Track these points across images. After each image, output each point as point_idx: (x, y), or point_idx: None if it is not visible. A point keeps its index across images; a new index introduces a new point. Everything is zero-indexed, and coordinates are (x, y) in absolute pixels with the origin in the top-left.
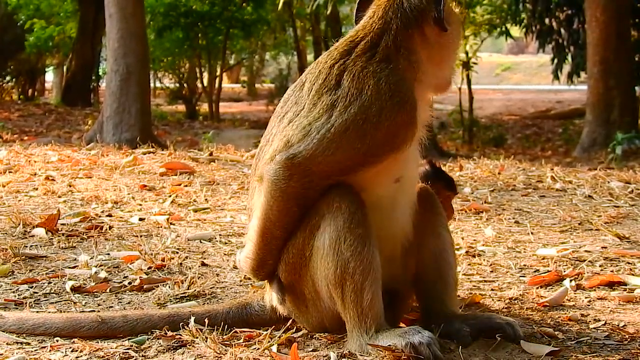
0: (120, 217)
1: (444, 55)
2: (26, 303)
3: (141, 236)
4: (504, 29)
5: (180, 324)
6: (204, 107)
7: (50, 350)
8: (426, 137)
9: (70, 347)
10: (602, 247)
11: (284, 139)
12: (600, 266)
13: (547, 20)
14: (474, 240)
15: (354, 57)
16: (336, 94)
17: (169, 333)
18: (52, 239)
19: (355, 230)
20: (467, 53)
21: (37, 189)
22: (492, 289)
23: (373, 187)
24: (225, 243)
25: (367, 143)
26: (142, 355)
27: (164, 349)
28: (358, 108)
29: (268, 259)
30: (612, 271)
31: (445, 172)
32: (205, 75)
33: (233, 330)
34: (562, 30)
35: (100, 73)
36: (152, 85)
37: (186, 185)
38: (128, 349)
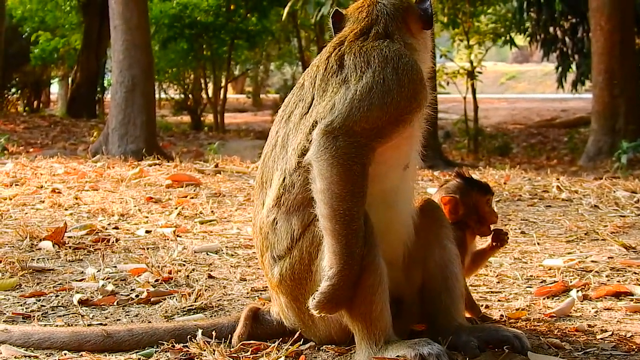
0: (127, 230)
1: (427, 50)
2: (34, 316)
3: (148, 249)
4: (508, 37)
5: (187, 337)
6: (209, 118)
7: None
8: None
9: None
10: (609, 257)
11: (308, 125)
12: (606, 276)
13: (551, 29)
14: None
15: (348, 43)
16: (343, 72)
17: (177, 346)
18: (59, 252)
19: (366, 242)
20: (471, 62)
21: (43, 201)
22: (498, 300)
23: (386, 174)
24: (232, 255)
25: (395, 98)
26: None
27: None
28: (372, 72)
29: (355, 246)
30: (618, 281)
31: (476, 179)
32: (210, 86)
33: (240, 343)
34: (567, 39)
35: (105, 84)
36: (157, 96)
37: (192, 197)
38: None
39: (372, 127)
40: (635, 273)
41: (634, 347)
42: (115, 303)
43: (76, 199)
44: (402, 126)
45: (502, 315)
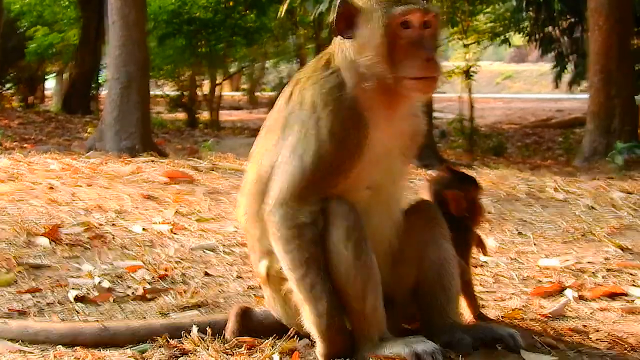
0: (123, 227)
1: (370, 56)
2: (30, 312)
3: (144, 246)
4: (505, 37)
5: (182, 332)
6: (205, 115)
7: (53, 359)
8: (410, 147)
9: (73, 356)
10: (605, 259)
11: (256, 170)
12: (602, 277)
13: (549, 29)
14: (476, 251)
15: (306, 67)
16: (287, 109)
17: (171, 342)
18: (55, 248)
19: (352, 236)
20: (467, 61)
21: (39, 198)
22: (494, 300)
23: (348, 193)
24: (229, 253)
25: (315, 155)
26: None
27: (166, 358)
28: (300, 126)
29: (320, 306)
30: (614, 282)
31: (464, 172)
32: (206, 83)
33: (235, 339)
34: (564, 39)
35: (101, 81)
36: (152, 93)
37: (187, 195)
38: (130, 357)
39: (301, 189)
40: (631, 274)
41: (628, 347)
42: (111, 300)
43: (72, 195)
44: (337, 176)
45: (498, 316)
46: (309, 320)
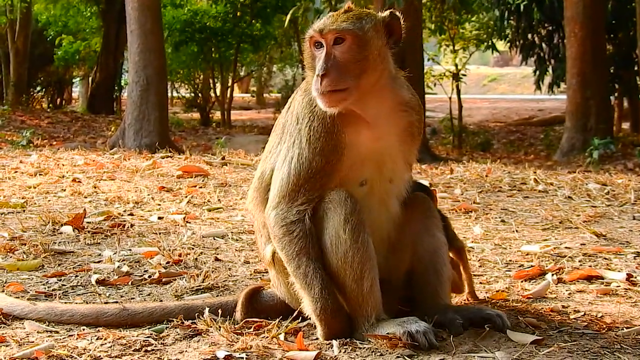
0: (141, 216)
1: (307, 74)
2: (55, 295)
3: (160, 233)
4: (490, 43)
5: (196, 313)
6: (217, 115)
7: (77, 338)
8: (404, 144)
9: (96, 335)
10: (581, 244)
11: (261, 166)
12: (579, 261)
13: (529, 36)
14: (464, 237)
15: (303, 82)
16: (285, 117)
17: (186, 322)
18: (78, 236)
19: (350, 220)
20: (456, 65)
21: (65, 190)
22: (480, 283)
23: (343, 185)
24: (237, 240)
25: (298, 161)
26: (161, 343)
27: (181, 337)
28: (290, 135)
29: (315, 293)
30: (590, 266)
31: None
32: (218, 85)
33: (244, 320)
34: (544, 45)
35: (123, 84)
36: (169, 94)
37: (201, 187)
38: (148, 337)
39: (289, 192)
40: (606, 258)
41: (604, 326)
42: (129, 283)
43: (95, 187)
44: (320, 179)
45: (484, 297)
46: (307, 306)
